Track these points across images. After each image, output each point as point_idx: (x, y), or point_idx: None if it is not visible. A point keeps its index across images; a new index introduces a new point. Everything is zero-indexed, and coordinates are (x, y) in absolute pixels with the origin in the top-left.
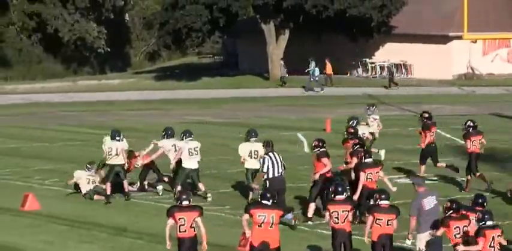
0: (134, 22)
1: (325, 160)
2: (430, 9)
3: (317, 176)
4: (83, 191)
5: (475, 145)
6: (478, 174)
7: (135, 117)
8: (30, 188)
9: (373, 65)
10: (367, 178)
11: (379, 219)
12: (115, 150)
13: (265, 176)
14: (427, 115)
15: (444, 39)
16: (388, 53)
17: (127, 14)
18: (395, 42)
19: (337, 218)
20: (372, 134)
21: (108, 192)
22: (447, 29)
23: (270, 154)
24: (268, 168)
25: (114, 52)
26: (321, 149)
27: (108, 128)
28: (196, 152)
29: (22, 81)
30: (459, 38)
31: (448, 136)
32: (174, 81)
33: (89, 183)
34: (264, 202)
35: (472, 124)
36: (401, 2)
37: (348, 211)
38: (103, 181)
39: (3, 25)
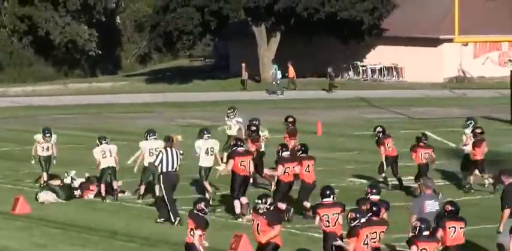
0: (125, 25)
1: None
2: (421, 12)
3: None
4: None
5: (390, 147)
6: (397, 175)
7: (127, 120)
8: (20, 191)
9: (365, 68)
10: (284, 172)
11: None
12: (108, 152)
13: (159, 170)
14: (380, 129)
15: (435, 42)
16: (379, 56)
17: (118, 17)
18: (386, 45)
19: (328, 221)
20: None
21: (103, 193)
22: (438, 31)
23: (168, 149)
24: (161, 162)
25: (105, 55)
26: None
27: (100, 131)
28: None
29: (13, 84)
30: (450, 40)
31: (439, 139)
32: (166, 84)
33: None
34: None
35: (381, 130)
36: (393, 4)
37: (338, 214)
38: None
39: None
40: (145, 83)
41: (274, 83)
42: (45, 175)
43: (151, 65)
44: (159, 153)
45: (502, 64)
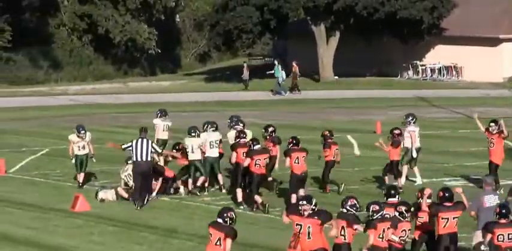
0: (185, 23)
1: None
2: (480, 12)
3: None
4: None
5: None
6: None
7: (189, 118)
8: (79, 189)
9: (424, 67)
10: (255, 164)
11: None
12: (190, 147)
13: (131, 160)
14: (328, 134)
15: (495, 41)
16: (438, 55)
17: (178, 15)
18: (446, 44)
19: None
20: None
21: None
22: (497, 31)
23: (139, 139)
24: (132, 151)
25: (164, 53)
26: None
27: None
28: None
29: (72, 83)
30: (510, 40)
31: None
32: (224, 83)
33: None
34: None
35: (398, 132)
36: (452, 4)
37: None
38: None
39: (54, 26)
40: (204, 82)
41: (278, 83)
42: (82, 175)
43: (211, 63)
44: (131, 142)
45: None
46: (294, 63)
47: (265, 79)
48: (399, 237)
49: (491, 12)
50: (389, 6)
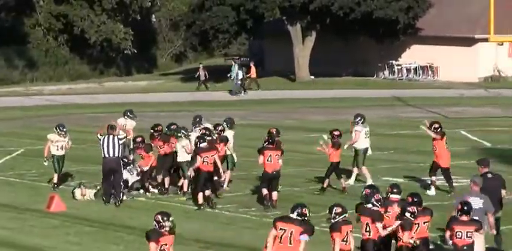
0: (161, 23)
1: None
2: (456, 12)
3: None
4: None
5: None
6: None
7: (165, 118)
8: (54, 190)
9: (400, 67)
10: (203, 161)
11: None
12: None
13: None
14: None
15: (470, 41)
16: (414, 55)
17: (154, 15)
18: (421, 44)
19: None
20: None
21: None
22: (473, 31)
23: (107, 136)
24: (102, 148)
25: (140, 53)
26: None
27: (137, 130)
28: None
29: (48, 83)
30: (485, 40)
31: (474, 138)
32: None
33: None
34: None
35: (338, 133)
36: (428, 4)
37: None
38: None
39: (29, 26)
40: (180, 81)
41: (236, 83)
42: (56, 176)
43: (187, 63)
44: (101, 140)
45: None
46: (251, 64)
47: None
48: (411, 237)
49: (466, 12)
50: (365, 6)
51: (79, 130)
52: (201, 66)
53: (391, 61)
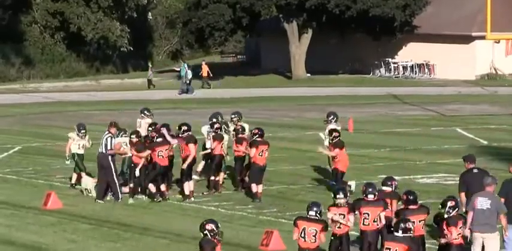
0: (157, 21)
1: (191, 145)
2: (453, 9)
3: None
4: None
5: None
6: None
7: (159, 116)
8: (52, 186)
9: (396, 64)
10: (158, 155)
11: None
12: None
13: None
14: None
15: (467, 39)
16: (411, 53)
17: (150, 13)
18: (418, 42)
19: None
20: None
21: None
22: (470, 29)
23: (105, 133)
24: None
25: (136, 51)
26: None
27: (133, 127)
28: None
29: (45, 80)
30: (482, 38)
31: (470, 136)
32: (197, 80)
33: None
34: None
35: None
36: (425, 1)
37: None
38: None
39: (26, 24)
40: (176, 79)
41: (185, 82)
42: (75, 175)
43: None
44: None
45: None
46: (203, 63)
47: (239, 76)
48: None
49: (463, 9)
50: (362, 3)
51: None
52: (150, 65)
53: (387, 59)
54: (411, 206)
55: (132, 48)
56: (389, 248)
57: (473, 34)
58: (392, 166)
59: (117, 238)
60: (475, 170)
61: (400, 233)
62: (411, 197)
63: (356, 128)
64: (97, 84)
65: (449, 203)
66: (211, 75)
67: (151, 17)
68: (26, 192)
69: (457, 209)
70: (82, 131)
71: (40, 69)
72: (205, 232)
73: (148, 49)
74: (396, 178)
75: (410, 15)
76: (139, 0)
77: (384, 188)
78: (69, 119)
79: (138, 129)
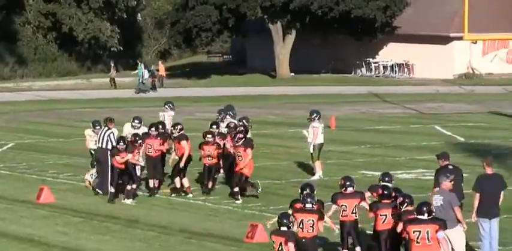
0: (146, 22)
1: (183, 142)
2: (431, 11)
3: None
4: None
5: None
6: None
7: (148, 113)
8: (45, 181)
9: (377, 64)
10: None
11: None
12: None
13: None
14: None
15: (445, 39)
16: (391, 53)
17: (139, 14)
18: (398, 42)
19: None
20: None
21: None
22: (448, 29)
23: (104, 128)
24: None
25: (126, 51)
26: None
27: (121, 124)
28: None
29: (37, 79)
30: (460, 38)
31: (448, 133)
32: (185, 79)
33: None
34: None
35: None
36: (405, 3)
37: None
38: None
39: (19, 24)
40: (165, 78)
41: (141, 82)
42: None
43: (171, 60)
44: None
45: (509, 61)
46: (159, 63)
47: (225, 76)
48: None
49: (442, 11)
50: (344, 5)
51: (68, 124)
52: (112, 64)
53: (368, 59)
54: (384, 201)
55: (122, 48)
56: (419, 231)
57: (451, 35)
58: (373, 161)
59: (107, 230)
60: (450, 167)
61: (425, 216)
62: (386, 192)
63: (338, 126)
64: (88, 83)
65: (398, 200)
66: (164, 75)
67: (140, 18)
68: (19, 187)
69: (405, 204)
70: (97, 127)
71: (33, 69)
72: (284, 223)
73: (138, 49)
74: (376, 173)
75: (390, 17)
76: (129, 1)
77: (384, 184)
78: (61, 116)
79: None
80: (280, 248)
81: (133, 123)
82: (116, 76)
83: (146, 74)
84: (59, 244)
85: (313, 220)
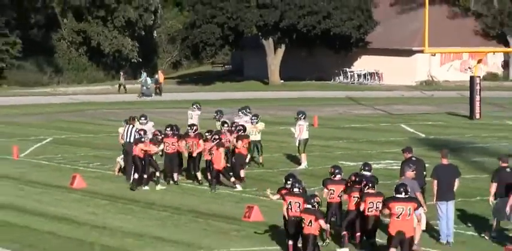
0: (161, 38)
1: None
2: (398, 29)
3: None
4: None
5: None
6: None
7: (163, 114)
8: (77, 170)
9: (352, 73)
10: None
11: None
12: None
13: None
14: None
15: (409, 52)
16: (364, 64)
17: (155, 31)
18: (369, 55)
19: (332, 194)
20: None
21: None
22: (411, 44)
23: (129, 126)
24: (124, 135)
25: (144, 62)
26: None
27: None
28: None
29: (71, 85)
30: (421, 52)
31: (411, 130)
32: (193, 85)
33: None
34: (398, 195)
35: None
36: (375, 22)
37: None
38: None
39: (56, 40)
40: (177, 84)
41: (145, 87)
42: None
43: (182, 70)
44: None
45: (462, 71)
46: (159, 71)
47: (226, 82)
48: None
49: (406, 29)
50: (325, 24)
51: (95, 122)
52: (121, 73)
53: (345, 68)
54: (356, 186)
55: (141, 60)
56: (403, 208)
57: (414, 48)
58: (350, 154)
59: (129, 211)
60: (413, 159)
61: (403, 195)
62: (357, 179)
63: (320, 124)
64: (112, 89)
65: (362, 184)
66: (161, 82)
67: (156, 35)
68: (55, 175)
69: (367, 187)
70: (142, 118)
71: (67, 76)
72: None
73: (154, 60)
74: (352, 164)
75: (363, 34)
76: (146, 21)
77: (365, 172)
78: (91, 116)
79: (189, 119)
80: (310, 224)
81: (140, 121)
82: (124, 83)
83: (149, 81)
84: (89, 222)
85: (299, 203)
